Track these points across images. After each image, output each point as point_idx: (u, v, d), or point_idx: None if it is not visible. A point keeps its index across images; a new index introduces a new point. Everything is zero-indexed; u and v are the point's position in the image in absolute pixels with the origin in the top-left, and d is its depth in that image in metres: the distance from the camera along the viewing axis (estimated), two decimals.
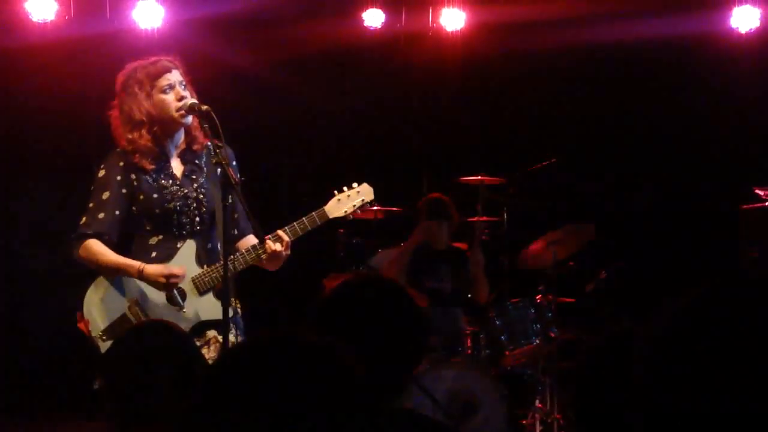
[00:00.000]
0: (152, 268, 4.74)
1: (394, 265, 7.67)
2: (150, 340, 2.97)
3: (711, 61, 9.01)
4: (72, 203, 5.26)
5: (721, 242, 8.64)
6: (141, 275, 4.74)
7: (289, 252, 4.82)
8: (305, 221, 4.87)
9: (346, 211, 5.00)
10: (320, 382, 1.77)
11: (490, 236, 8.30)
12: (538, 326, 7.30)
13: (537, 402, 7.21)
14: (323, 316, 2.72)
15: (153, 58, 4.92)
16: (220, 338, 4.75)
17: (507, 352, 7.24)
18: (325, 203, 4.97)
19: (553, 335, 7.28)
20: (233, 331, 4.81)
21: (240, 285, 5.04)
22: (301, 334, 1.86)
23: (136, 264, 4.76)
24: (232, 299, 4.82)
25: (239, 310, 5.00)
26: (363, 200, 5.06)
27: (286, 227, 4.83)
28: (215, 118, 4.70)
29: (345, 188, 5.03)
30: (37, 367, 8.40)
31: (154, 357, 2.90)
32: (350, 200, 5.01)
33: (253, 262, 4.81)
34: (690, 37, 8.78)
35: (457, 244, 8.03)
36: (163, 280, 4.73)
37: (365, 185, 5.09)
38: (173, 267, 4.77)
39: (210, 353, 4.79)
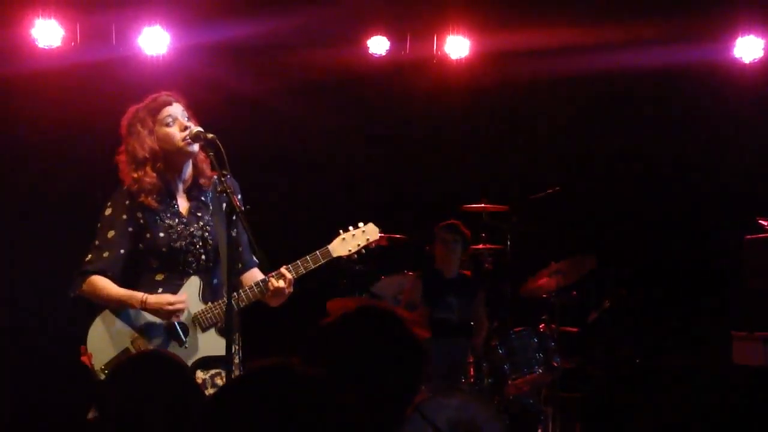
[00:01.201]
0: (155, 298, 4.77)
1: (414, 291, 7.77)
2: (146, 370, 2.97)
3: (715, 90, 9.02)
4: (76, 231, 5.25)
5: (725, 273, 8.62)
6: (144, 305, 4.76)
7: (291, 289, 4.83)
8: (309, 259, 4.88)
9: (350, 251, 4.97)
10: (314, 415, 1.78)
11: (493, 264, 8.32)
12: (541, 355, 7.28)
13: (539, 431, 7.20)
14: (320, 346, 2.73)
15: (152, 96, 4.94)
16: (214, 375, 4.82)
17: (509, 381, 7.23)
18: (330, 242, 4.96)
19: (555, 364, 7.27)
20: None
21: (243, 317, 5.05)
22: (294, 366, 1.86)
23: (139, 295, 4.79)
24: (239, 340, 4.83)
25: (239, 343, 5.01)
26: (368, 239, 5.02)
27: (289, 265, 4.84)
28: (220, 146, 4.73)
29: (350, 227, 5.02)
30: (37, 397, 8.38)
31: (149, 387, 2.90)
32: (355, 240, 4.99)
33: (256, 298, 4.82)
34: (694, 67, 8.80)
35: (464, 272, 8.07)
36: (166, 308, 4.74)
37: (371, 225, 5.07)
38: (178, 297, 4.79)
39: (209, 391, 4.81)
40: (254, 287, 4.80)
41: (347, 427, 1.82)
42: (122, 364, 3.09)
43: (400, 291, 8.21)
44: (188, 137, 4.81)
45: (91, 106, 8.05)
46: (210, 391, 4.81)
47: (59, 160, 8.40)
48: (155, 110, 4.86)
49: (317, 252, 4.90)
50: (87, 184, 5.95)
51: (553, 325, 7.45)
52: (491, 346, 7.32)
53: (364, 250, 5.02)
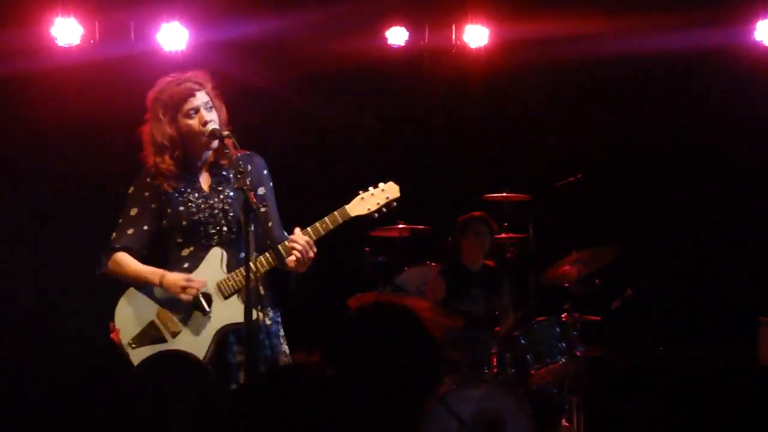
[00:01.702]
0: (172, 276, 4.83)
1: (437, 287, 7.77)
2: (166, 370, 2.99)
3: (736, 75, 8.96)
4: (100, 224, 5.29)
5: (750, 259, 8.58)
6: (161, 282, 4.83)
7: (313, 253, 4.78)
8: (327, 220, 4.81)
9: (369, 209, 4.86)
10: (329, 415, 1.78)
11: (515, 253, 8.30)
12: (564, 345, 7.25)
13: (563, 421, 7.19)
14: (337, 343, 2.74)
15: (180, 77, 4.96)
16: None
17: (533, 371, 7.20)
18: (348, 202, 4.87)
19: (578, 353, 7.25)
20: (265, 339, 4.86)
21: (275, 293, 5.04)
22: (310, 366, 1.87)
23: (158, 272, 4.86)
24: (260, 308, 4.81)
25: (278, 318, 5.01)
26: (388, 198, 4.92)
27: (308, 227, 4.81)
28: (236, 143, 4.76)
29: (370, 187, 4.92)
30: (68, 377, 8.44)
31: (169, 386, 2.91)
32: (374, 198, 4.88)
33: (276, 263, 4.78)
34: (715, 52, 8.75)
35: (488, 262, 8.06)
36: (181, 284, 4.79)
37: (391, 183, 4.96)
38: (194, 280, 4.82)
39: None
40: (273, 252, 4.76)
41: (362, 426, 1.82)
42: (142, 364, 3.11)
43: (423, 282, 8.19)
44: (205, 135, 4.85)
45: (110, 102, 8.07)
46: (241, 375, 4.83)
47: (80, 156, 8.44)
48: (179, 99, 4.88)
49: (335, 212, 4.83)
50: (108, 181, 6.00)
51: (575, 314, 7.41)
52: (514, 336, 7.30)
53: (384, 209, 4.91)
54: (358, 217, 4.86)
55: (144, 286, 4.92)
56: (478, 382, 6.94)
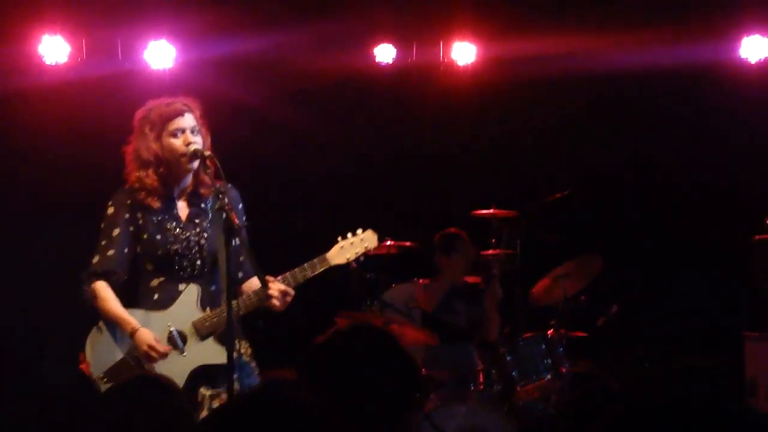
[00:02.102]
0: (142, 336, 4.81)
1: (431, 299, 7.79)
2: (135, 395, 3.00)
3: (721, 91, 8.99)
4: (84, 244, 5.29)
5: (734, 274, 8.60)
6: (133, 336, 4.82)
7: (290, 297, 4.85)
8: (306, 268, 4.93)
9: (348, 258, 5.02)
10: None
11: (501, 270, 8.31)
12: (549, 361, 7.27)
13: None
14: (314, 366, 2.75)
15: (170, 99, 5.01)
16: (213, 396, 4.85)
17: (518, 388, 7.21)
18: (328, 249, 4.99)
19: (564, 370, 7.26)
20: (239, 375, 4.84)
21: (248, 324, 5.07)
22: (284, 392, 1.88)
23: (132, 323, 4.85)
24: (237, 341, 4.85)
25: (249, 351, 5.04)
26: (366, 247, 5.07)
27: (287, 273, 4.88)
28: (218, 164, 4.82)
29: (349, 234, 5.05)
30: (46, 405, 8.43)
31: (140, 411, 2.92)
32: (353, 247, 5.03)
33: (254, 306, 4.85)
34: (700, 68, 8.78)
35: (471, 279, 8.07)
36: (145, 350, 4.79)
37: (369, 232, 5.10)
38: (160, 346, 4.81)
39: (204, 412, 4.83)
40: (252, 295, 4.83)
41: None
42: (114, 387, 3.12)
43: (411, 299, 8.20)
44: (186, 155, 4.86)
45: (98, 120, 8.09)
46: (205, 413, 4.83)
47: (67, 174, 8.44)
48: (167, 118, 4.92)
49: (315, 260, 4.95)
50: (95, 198, 5.99)
51: (561, 331, 7.44)
52: (499, 353, 7.31)
53: (362, 258, 5.09)
54: (337, 265, 5.01)
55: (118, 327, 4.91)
56: (464, 399, 6.96)
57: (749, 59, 8.84)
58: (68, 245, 7.98)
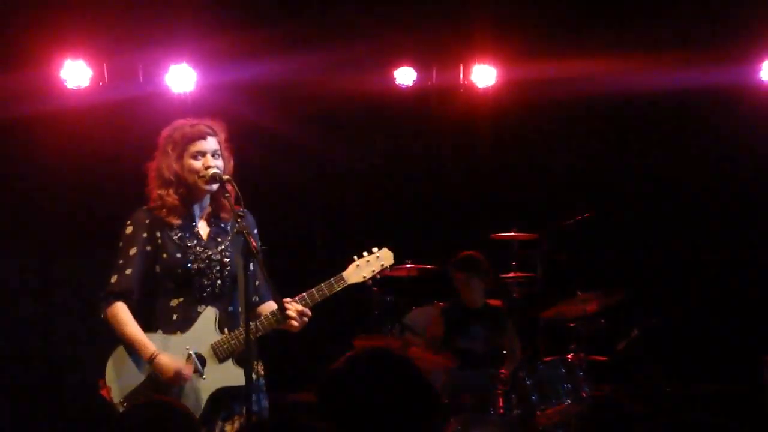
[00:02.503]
0: (164, 362, 4.79)
1: (437, 327, 7.75)
2: (150, 418, 3.00)
3: (742, 113, 8.96)
4: (104, 266, 5.29)
5: (757, 298, 8.55)
6: (152, 362, 4.80)
7: (307, 318, 4.84)
8: (324, 287, 4.91)
9: (365, 277, 5.00)
10: None
11: (522, 293, 8.30)
12: (569, 385, 7.22)
13: None
14: (329, 392, 2.74)
15: (195, 121, 5.03)
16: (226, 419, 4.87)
17: (538, 412, 7.17)
18: (344, 269, 4.98)
19: (584, 394, 7.22)
20: (255, 396, 4.83)
21: (266, 344, 5.06)
22: (299, 421, 1.87)
23: (150, 349, 4.82)
24: (255, 363, 4.86)
25: (261, 372, 5.03)
26: (383, 265, 5.04)
27: (304, 293, 4.86)
28: (236, 188, 4.81)
29: (365, 253, 5.03)
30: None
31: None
32: (369, 266, 5.01)
33: (272, 327, 4.83)
34: (721, 91, 8.75)
35: (492, 302, 8.05)
36: (168, 376, 4.79)
37: (385, 250, 5.07)
38: (184, 369, 4.80)
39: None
40: (269, 316, 4.81)
41: None
42: (131, 412, 3.13)
43: (430, 321, 8.19)
44: (205, 177, 4.88)
45: (119, 144, 8.14)
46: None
47: (88, 197, 8.49)
48: (190, 139, 4.93)
49: (331, 280, 4.93)
50: (115, 221, 6.02)
51: (581, 355, 7.39)
52: (519, 377, 7.28)
53: (378, 276, 5.05)
54: (353, 284, 4.98)
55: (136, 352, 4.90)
56: (484, 423, 6.93)
57: None
58: (88, 268, 8.03)
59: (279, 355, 5.19)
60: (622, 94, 8.77)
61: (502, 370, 7.43)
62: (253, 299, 4.88)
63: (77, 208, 8.54)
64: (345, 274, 4.96)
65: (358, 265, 4.99)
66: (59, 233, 8.56)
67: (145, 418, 3.01)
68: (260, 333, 4.81)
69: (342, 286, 4.94)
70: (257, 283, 4.97)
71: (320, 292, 4.89)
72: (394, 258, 5.09)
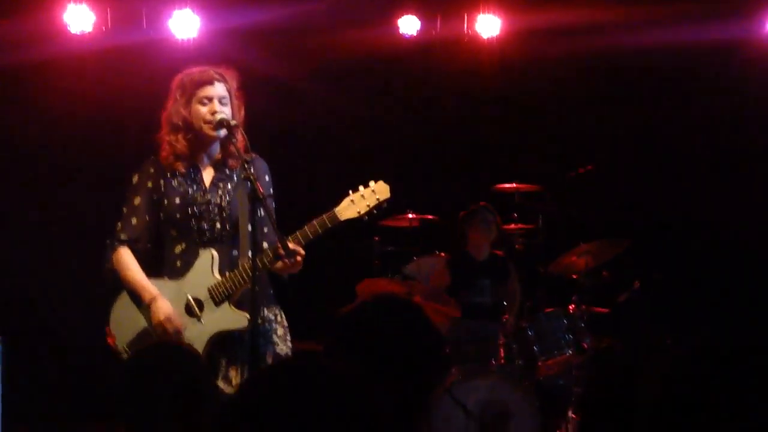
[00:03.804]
0: (158, 308, 4.82)
1: (442, 277, 7.77)
2: (156, 359, 3.01)
3: (747, 67, 8.92)
4: (109, 212, 5.30)
5: (759, 252, 8.56)
6: (150, 305, 4.84)
7: (302, 255, 4.71)
8: (315, 224, 4.74)
9: (359, 212, 4.75)
10: (339, 411, 1.79)
11: (524, 244, 8.30)
12: (571, 336, 7.24)
13: (570, 412, 7.18)
14: (341, 337, 2.74)
15: (205, 67, 5.00)
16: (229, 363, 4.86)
17: (540, 363, 7.20)
18: (338, 204, 4.79)
19: (585, 345, 7.24)
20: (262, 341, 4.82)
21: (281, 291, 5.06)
22: (317, 361, 1.88)
23: (149, 293, 4.86)
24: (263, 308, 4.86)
25: (277, 318, 5.02)
26: (378, 199, 4.79)
27: (297, 232, 4.75)
28: (243, 134, 4.79)
29: (360, 187, 4.82)
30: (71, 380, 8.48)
31: (159, 375, 2.94)
32: (364, 200, 4.77)
33: (266, 268, 4.77)
34: (726, 44, 8.71)
35: (496, 252, 8.06)
36: (161, 320, 4.81)
37: (381, 183, 4.84)
38: (175, 320, 4.81)
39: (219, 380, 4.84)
40: (263, 257, 4.73)
41: (376, 422, 1.83)
42: (133, 354, 3.14)
43: (432, 271, 8.21)
44: (212, 123, 4.87)
45: (122, 89, 8.12)
46: (220, 380, 4.83)
47: (92, 143, 8.48)
48: (198, 84, 4.92)
49: (324, 216, 4.75)
50: (118, 166, 6.03)
51: (583, 306, 7.40)
52: (521, 327, 7.30)
53: (375, 210, 4.79)
54: (348, 220, 4.77)
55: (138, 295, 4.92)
56: (485, 373, 6.96)
57: None
58: (93, 213, 8.03)
59: (280, 310, 5.14)
60: (627, 46, 8.71)
61: (505, 317, 7.45)
62: (263, 245, 4.81)
63: (79, 152, 8.52)
64: (338, 209, 4.74)
65: (352, 200, 4.76)
66: (61, 177, 8.55)
67: (151, 360, 3.02)
68: (258, 273, 4.69)
69: (335, 222, 4.73)
70: (266, 229, 4.93)
71: (312, 230, 4.72)
72: (391, 192, 4.83)
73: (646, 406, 1.96)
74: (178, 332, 4.81)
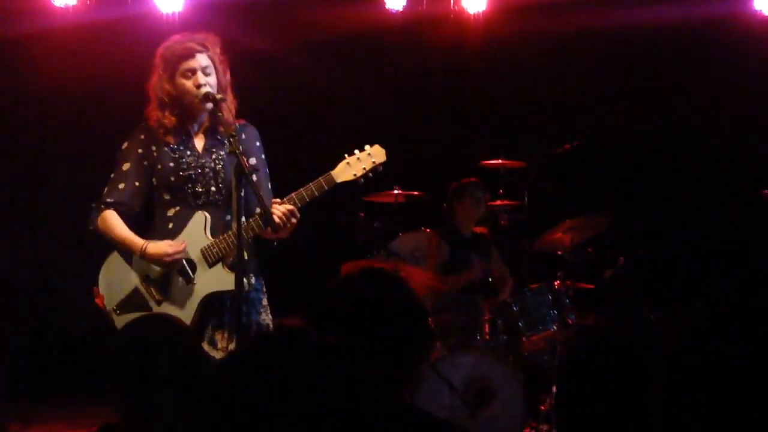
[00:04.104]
0: (153, 248, 4.81)
1: (440, 252, 7.74)
2: (149, 332, 3.00)
3: (735, 44, 8.93)
4: (97, 185, 5.29)
5: (742, 228, 8.59)
6: (143, 255, 4.82)
7: (297, 217, 4.75)
8: (312, 186, 4.77)
9: (355, 175, 4.82)
10: (325, 381, 1.78)
11: (509, 220, 8.30)
12: (555, 312, 7.25)
13: (554, 388, 7.20)
14: (326, 311, 2.74)
15: (186, 38, 4.97)
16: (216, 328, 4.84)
17: (524, 338, 7.21)
18: (334, 167, 4.82)
19: (570, 321, 7.25)
20: (245, 308, 4.82)
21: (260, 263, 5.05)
22: (304, 332, 1.87)
23: (139, 243, 4.84)
24: (250, 275, 4.87)
25: (260, 286, 5.01)
26: (374, 162, 4.86)
27: (292, 194, 4.77)
28: (230, 106, 4.78)
29: (356, 151, 4.86)
30: (59, 348, 8.48)
31: (153, 348, 2.92)
32: (360, 163, 4.83)
33: (260, 229, 4.76)
34: (714, 20, 8.71)
35: (478, 229, 8.05)
36: (165, 260, 4.80)
37: (377, 147, 4.90)
38: (174, 243, 4.81)
39: (205, 344, 4.82)
40: (257, 218, 4.73)
41: (363, 392, 1.83)
42: (125, 327, 3.13)
43: (417, 248, 8.18)
44: (198, 97, 4.85)
45: (107, 63, 8.08)
46: (206, 344, 4.82)
47: (76, 116, 8.46)
48: (179, 58, 4.89)
49: (320, 179, 4.78)
50: (102, 140, 6.00)
51: (568, 282, 7.41)
52: (506, 303, 7.30)
53: (371, 173, 4.86)
54: (343, 183, 4.82)
55: (126, 250, 4.91)
56: (470, 349, 6.97)
57: (763, 11, 8.76)
58: (78, 185, 8.02)
59: (264, 281, 5.14)
60: (613, 23, 8.71)
61: (503, 297, 7.47)
62: (256, 209, 4.80)
63: (65, 125, 8.49)
64: (334, 172, 4.79)
65: (348, 163, 4.82)
66: (45, 151, 8.52)
67: (138, 335, 3.01)
68: (248, 235, 4.74)
69: (331, 184, 4.77)
70: (261, 193, 4.91)
71: (308, 191, 4.75)
72: (386, 155, 4.89)
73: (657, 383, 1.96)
74: (184, 252, 4.78)
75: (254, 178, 4.61)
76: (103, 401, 3.15)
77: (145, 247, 4.82)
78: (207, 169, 4.92)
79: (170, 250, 4.79)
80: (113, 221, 4.92)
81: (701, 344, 1.90)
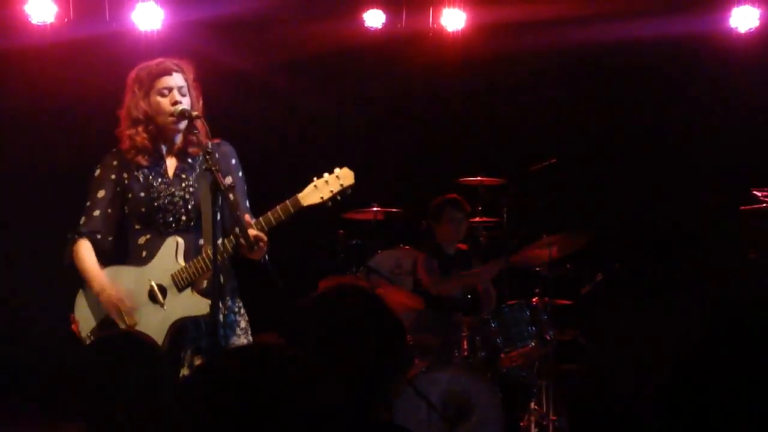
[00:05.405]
0: (106, 299, 4.83)
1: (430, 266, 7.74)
2: (115, 349, 3.00)
3: (710, 61, 8.99)
4: (71, 205, 5.27)
5: (720, 244, 8.62)
6: (99, 295, 4.85)
7: (264, 241, 4.73)
8: (279, 210, 4.75)
9: (322, 198, 4.77)
10: (294, 396, 1.78)
11: (488, 237, 8.31)
12: (534, 328, 7.25)
13: (532, 404, 7.19)
14: (300, 327, 2.74)
15: (160, 59, 4.99)
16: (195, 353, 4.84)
17: (502, 355, 7.21)
18: (301, 190, 4.80)
19: (548, 337, 7.26)
20: (222, 332, 4.81)
21: (244, 282, 5.05)
22: (272, 346, 1.87)
23: (100, 283, 4.85)
24: (226, 298, 4.89)
25: (238, 310, 5.01)
26: (342, 185, 4.80)
27: (260, 218, 4.78)
28: (206, 124, 4.79)
29: (325, 174, 4.82)
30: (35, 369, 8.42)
31: (118, 365, 2.93)
32: (328, 186, 4.78)
33: (228, 254, 4.76)
34: (689, 38, 8.77)
35: (460, 246, 8.06)
36: (113, 310, 4.81)
37: (345, 169, 4.83)
38: (127, 306, 4.81)
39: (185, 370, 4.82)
40: (225, 242, 4.73)
41: (330, 408, 1.83)
42: (91, 344, 3.13)
43: (397, 265, 8.20)
44: (174, 114, 4.85)
45: (84, 82, 8.06)
46: (186, 371, 4.82)
47: (53, 135, 8.42)
48: (155, 76, 4.91)
49: (287, 202, 4.77)
50: (81, 159, 5.98)
51: (546, 299, 7.42)
52: (484, 320, 7.30)
53: (338, 196, 4.81)
54: (311, 206, 4.79)
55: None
56: (448, 365, 6.97)
57: (739, 29, 8.82)
58: (55, 207, 7.97)
59: (242, 297, 5.14)
60: (591, 40, 8.75)
61: (483, 312, 7.48)
62: (236, 230, 4.80)
63: (40, 145, 8.46)
64: (301, 195, 4.76)
65: (316, 186, 4.78)
66: (21, 171, 8.48)
67: (106, 350, 3.01)
68: (225, 258, 4.75)
69: (297, 207, 4.74)
70: (238, 213, 4.90)
71: (275, 215, 4.74)
72: (355, 178, 4.82)
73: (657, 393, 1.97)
74: (132, 313, 4.80)
75: (230, 196, 4.61)
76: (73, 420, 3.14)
77: (101, 291, 4.83)
78: (177, 198, 4.93)
79: (121, 306, 4.81)
80: (83, 253, 4.93)
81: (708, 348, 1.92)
